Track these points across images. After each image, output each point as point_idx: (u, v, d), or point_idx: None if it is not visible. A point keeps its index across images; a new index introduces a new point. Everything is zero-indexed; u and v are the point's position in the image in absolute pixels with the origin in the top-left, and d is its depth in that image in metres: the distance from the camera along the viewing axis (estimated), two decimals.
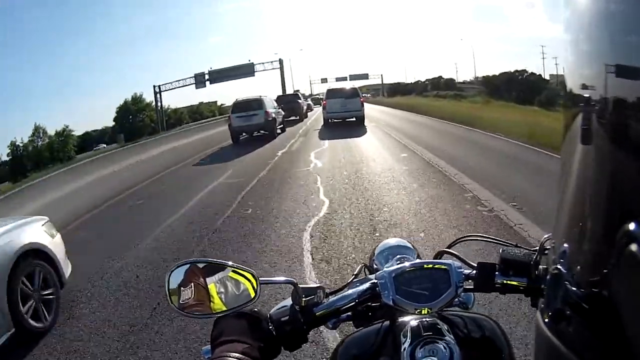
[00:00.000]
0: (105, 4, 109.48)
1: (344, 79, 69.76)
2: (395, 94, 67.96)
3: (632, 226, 0.36)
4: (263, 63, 48.85)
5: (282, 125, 20.09)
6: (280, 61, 49.40)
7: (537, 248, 0.78)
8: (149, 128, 49.63)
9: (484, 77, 50.96)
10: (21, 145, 42.59)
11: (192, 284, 0.81)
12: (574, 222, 0.48)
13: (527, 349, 2.33)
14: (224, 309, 0.80)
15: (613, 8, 0.41)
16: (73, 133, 47.54)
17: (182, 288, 0.81)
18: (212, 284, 0.81)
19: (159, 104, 49.49)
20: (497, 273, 0.80)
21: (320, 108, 22.90)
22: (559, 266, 0.50)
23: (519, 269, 0.78)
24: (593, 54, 0.44)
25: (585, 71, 0.45)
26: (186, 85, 48.91)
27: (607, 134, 0.42)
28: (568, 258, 0.48)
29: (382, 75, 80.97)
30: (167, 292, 0.81)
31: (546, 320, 0.50)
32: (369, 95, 70.68)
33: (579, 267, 0.46)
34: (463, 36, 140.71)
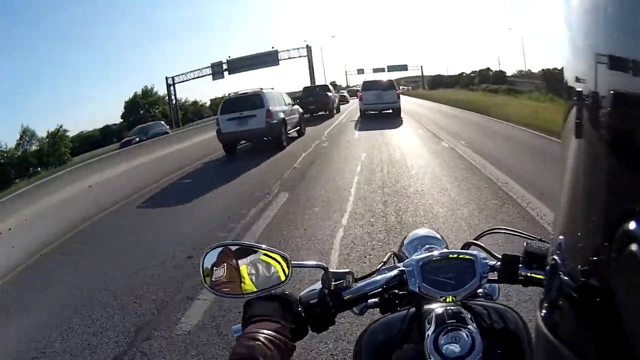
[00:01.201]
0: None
1: (382, 70, 65.79)
2: (436, 86, 61.25)
3: (632, 225, 0.36)
4: (288, 50, 43.18)
5: (298, 127, 14.83)
6: (308, 48, 43.73)
7: None
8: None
9: (544, 70, 43.28)
10: (5, 150, 37.16)
11: (225, 264, 0.84)
12: (572, 219, 0.49)
13: None
14: (255, 290, 0.82)
15: (607, 1, 0.41)
16: (68, 133, 42.57)
17: (215, 268, 0.84)
18: (244, 266, 0.84)
19: (172, 96, 44.77)
20: (520, 265, 0.82)
21: (357, 101, 21.88)
22: (557, 265, 0.50)
23: (542, 262, 0.80)
24: (587, 48, 0.44)
25: (580, 65, 0.46)
26: (202, 77, 43.94)
27: (602, 128, 0.42)
28: (566, 257, 0.48)
29: (421, 66, 74.08)
30: (202, 272, 0.84)
31: (545, 318, 0.50)
32: (409, 87, 65.26)
33: (577, 265, 0.46)
34: (501, 29, 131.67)
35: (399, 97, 18.80)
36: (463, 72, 71.29)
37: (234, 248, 0.86)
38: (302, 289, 0.86)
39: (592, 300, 0.42)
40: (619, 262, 0.37)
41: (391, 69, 66.80)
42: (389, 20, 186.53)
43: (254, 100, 12.26)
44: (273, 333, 0.69)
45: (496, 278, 0.84)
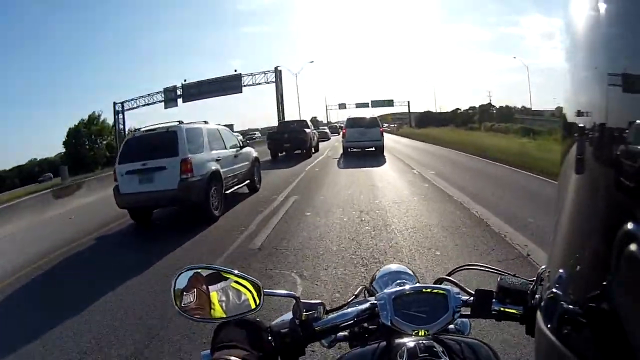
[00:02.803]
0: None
1: (365, 105, 65.79)
2: (426, 124, 57.70)
3: (631, 226, 0.38)
4: (253, 74, 38.66)
5: (249, 180, 10.33)
6: (277, 72, 39.20)
7: (535, 278, 0.82)
8: (103, 158, 40.01)
9: None
10: None
11: (195, 290, 0.86)
12: (571, 223, 0.51)
13: None
14: (224, 316, 0.85)
15: (611, 37, 0.44)
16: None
17: (184, 293, 0.86)
18: (214, 292, 0.86)
19: (120, 125, 39.69)
20: (494, 300, 0.85)
21: (337, 138, 20.82)
22: (558, 267, 0.52)
23: (516, 297, 0.83)
24: (589, 83, 0.46)
25: (581, 99, 0.48)
26: (154, 103, 39.47)
27: (601, 162, 0.44)
28: (568, 259, 0.50)
29: (408, 102, 71.61)
30: (172, 294, 0.86)
31: (546, 320, 0.52)
32: (394, 125, 62.23)
33: (578, 267, 0.48)
34: (479, 65, 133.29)
35: (382, 135, 19.13)
36: (458, 109, 68.75)
37: (205, 273, 0.87)
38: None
39: (592, 301, 0.44)
40: (619, 262, 0.39)
41: (376, 104, 66.08)
42: (374, 52, 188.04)
43: (163, 143, 7.74)
44: None
45: (469, 313, 0.86)
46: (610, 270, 0.40)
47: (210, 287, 0.86)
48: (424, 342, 0.78)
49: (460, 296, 0.85)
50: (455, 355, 0.79)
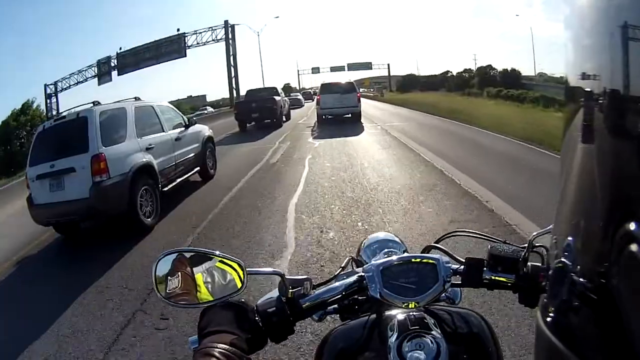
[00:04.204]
0: None
1: (341, 68, 65.28)
2: (408, 89, 55.03)
3: (632, 226, 0.40)
4: (198, 32, 34.65)
5: (198, 167, 9.03)
6: (228, 27, 35.10)
7: (526, 245, 0.85)
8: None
9: None
10: None
11: (179, 273, 0.87)
12: (572, 223, 0.52)
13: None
14: (211, 299, 0.86)
15: (613, 3, 0.45)
16: None
17: (169, 277, 0.87)
18: (199, 274, 0.88)
19: (53, 111, 36.46)
20: (485, 269, 0.87)
21: (310, 105, 21.84)
22: (558, 267, 0.53)
23: (507, 266, 0.85)
24: (594, 50, 0.47)
25: (585, 68, 0.48)
26: (86, 80, 36.28)
27: (607, 131, 0.45)
28: (567, 259, 0.51)
29: (388, 64, 70.92)
30: (154, 281, 0.86)
31: (546, 320, 0.53)
32: (373, 90, 60.30)
33: (578, 267, 0.49)
34: (461, 33, 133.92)
35: (359, 101, 19.38)
36: (448, 71, 64.58)
37: (188, 255, 0.89)
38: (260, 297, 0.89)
39: (593, 301, 0.46)
40: (619, 263, 0.41)
41: (352, 67, 65.29)
42: (349, 11, 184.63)
43: (72, 135, 6.29)
44: (228, 347, 0.72)
45: (459, 282, 0.89)
46: (611, 269, 0.41)
47: (195, 269, 0.87)
48: (414, 314, 0.80)
49: (450, 265, 0.86)
50: (446, 326, 0.81)
